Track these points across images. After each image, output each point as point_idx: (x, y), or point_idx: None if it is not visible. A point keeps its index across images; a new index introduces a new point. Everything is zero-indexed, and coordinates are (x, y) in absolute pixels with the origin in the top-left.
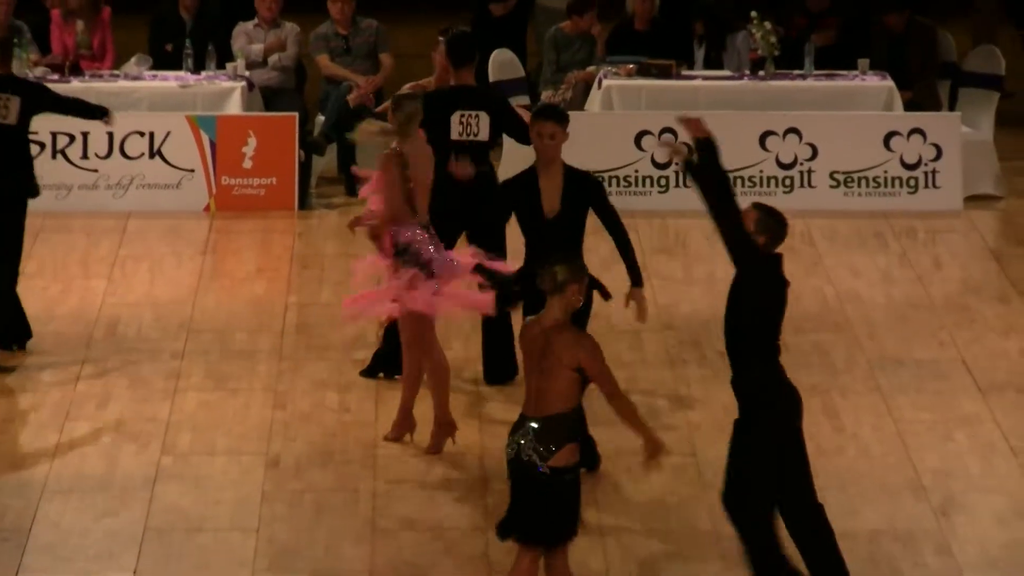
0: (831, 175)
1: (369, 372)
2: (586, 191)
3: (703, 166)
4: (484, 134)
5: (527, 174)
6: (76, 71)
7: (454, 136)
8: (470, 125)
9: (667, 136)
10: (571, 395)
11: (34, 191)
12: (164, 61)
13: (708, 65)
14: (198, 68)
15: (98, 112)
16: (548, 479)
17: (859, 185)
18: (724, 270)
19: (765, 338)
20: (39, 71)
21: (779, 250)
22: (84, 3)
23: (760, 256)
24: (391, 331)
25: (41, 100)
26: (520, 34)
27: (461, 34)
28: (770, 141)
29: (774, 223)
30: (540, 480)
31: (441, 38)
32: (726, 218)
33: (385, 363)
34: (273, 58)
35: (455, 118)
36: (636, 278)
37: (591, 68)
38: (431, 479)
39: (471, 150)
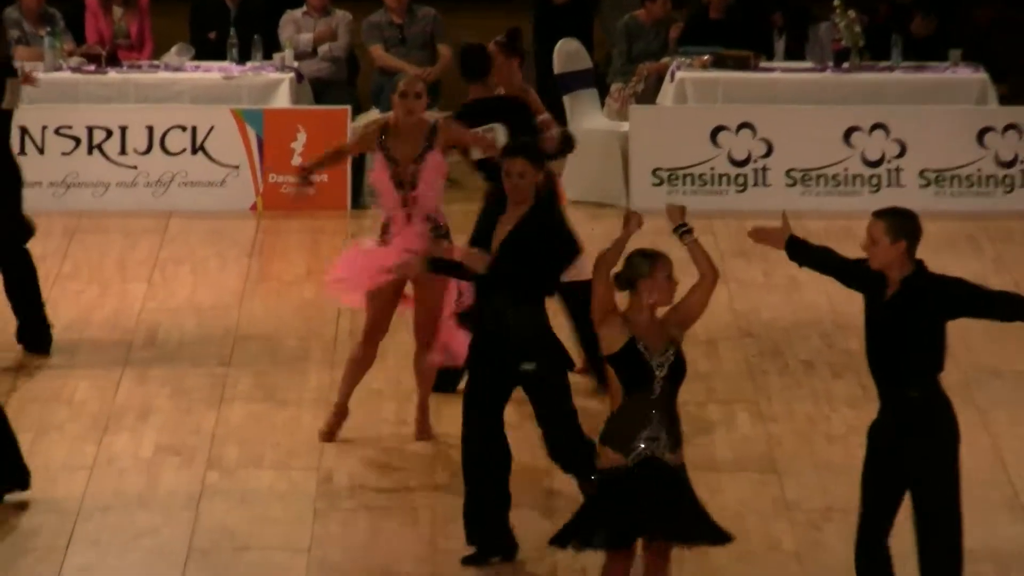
0: (920, 174)
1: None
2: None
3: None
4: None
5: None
6: (113, 61)
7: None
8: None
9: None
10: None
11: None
12: (207, 51)
13: (789, 57)
14: (243, 58)
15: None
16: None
17: (951, 184)
18: (805, 274)
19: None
20: (74, 61)
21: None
22: None
23: (910, 268)
24: None
25: None
26: (586, 23)
27: (473, 47)
28: (855, 137)
29: (906, 221)
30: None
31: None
32: (845, 271)
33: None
34: (323, 48)
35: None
36: None
37: (665, 59)
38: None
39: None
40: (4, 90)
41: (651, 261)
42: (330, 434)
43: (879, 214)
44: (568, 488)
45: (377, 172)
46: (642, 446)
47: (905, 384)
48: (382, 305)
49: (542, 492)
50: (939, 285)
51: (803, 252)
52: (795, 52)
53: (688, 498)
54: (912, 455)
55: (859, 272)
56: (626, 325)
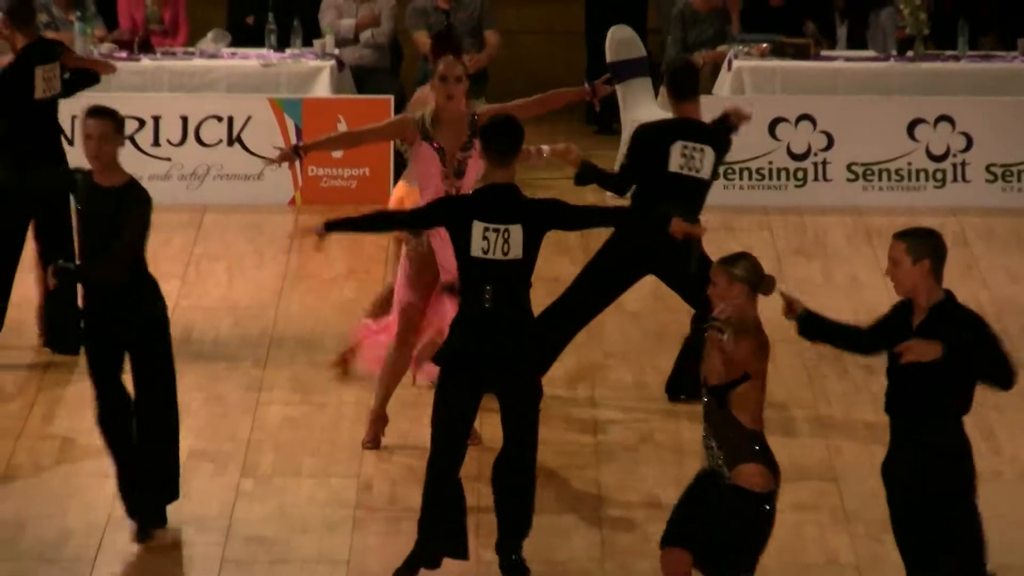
0: (987, 168)
1: None
2: None
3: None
4: (707, 170)
5: None
6: (146, 48)
7: (673, 168)
8: (693, 158)
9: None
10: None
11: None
12: (244, 37)
13: (851, 44)
14: (282, 45)
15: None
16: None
17: (1019, 179)
18: (867, 273)
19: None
20: (105, 48)
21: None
22: None
23: (938, 294)
24: None
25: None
26: (639, 7)
27: (684, 66)
28: (919, 130)
29: (928, 240)
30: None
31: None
32: (861, 341)
33: None
34: (366, 34)
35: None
36: None
37: (721, 48)
38: (544, 506)
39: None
40: (35, 79)
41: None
42: (375, 441)
43: (899, 235)
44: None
45: (424, 163)
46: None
47: (923, 424)
48: (416, 308)
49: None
50: (965, 322)
51: (815, 328)
52: (858, 40)
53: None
54: (921, 503)
55: (878, 331)
56: None
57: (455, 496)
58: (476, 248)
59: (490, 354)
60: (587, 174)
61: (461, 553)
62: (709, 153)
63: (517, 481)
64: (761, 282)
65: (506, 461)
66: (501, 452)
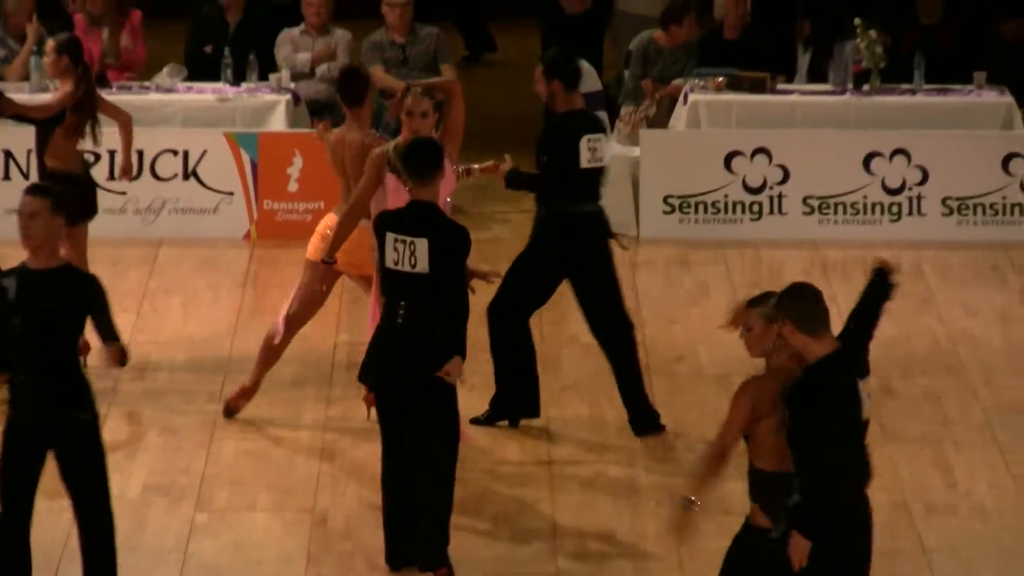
0: (943, 201)
1: (490, 420)
2: None
3: None
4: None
5: None
6: (102, 82)
7: (583, 164)
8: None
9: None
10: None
11: None
12: (201, 69)
13: (812, 75)
14: (238, 79)
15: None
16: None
17: (974, 213)
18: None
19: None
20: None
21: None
22: (108, 8)
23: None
24: (503, 373)
25: None
26: (596, 38)
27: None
28: (875, 163)
29: (797, 301)
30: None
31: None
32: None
33: (506, 408)
34: (322, 68)
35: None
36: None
37: (677, 81)
38: (500, 537)
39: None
40: None
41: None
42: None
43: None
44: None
45: (394, 193)
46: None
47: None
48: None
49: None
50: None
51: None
52: (817, 70)
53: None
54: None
55: None
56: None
57: (405, 505)
58: (389, 259)
59: (398, 369)
60: (513, 181)
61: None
62: (604, 141)
63: (410, 501)
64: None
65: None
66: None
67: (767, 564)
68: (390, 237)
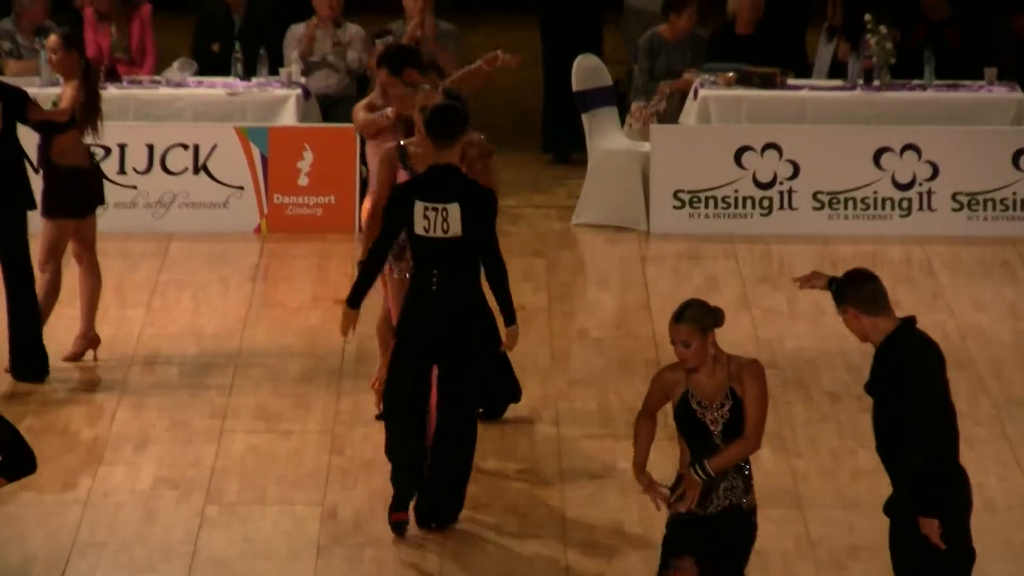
0: (953, 197)
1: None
2: None
3: None
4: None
5: None
6: (112, 76)
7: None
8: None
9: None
10: (680, 449)
11: (30, 203)
12: (211, 65)
13: (834, 67)
14: (248, 74)
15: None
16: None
17: (984, 208)
18: (832, 302)
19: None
20: None
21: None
22: (115, 2)
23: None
24: None
25: (23, 106)
26: (595, 34)
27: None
28: (886, 159)
29: (860, 287)
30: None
31: (377, 41)
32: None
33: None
34: (335, 60)
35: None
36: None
37: (687, 75)
38: (507, 531)
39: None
40: None
41: (671, 323)
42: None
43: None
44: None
45: None
46: (721, 498)
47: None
48: None
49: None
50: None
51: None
52: (838, 65)
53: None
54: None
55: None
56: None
57: (415, 464)
58: (419, 227)
59: (435, 335)
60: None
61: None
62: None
63: (442, 461)
64: (716, 316)
65: (440, 441)
66: (436, 429)
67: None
68: (419, 206)
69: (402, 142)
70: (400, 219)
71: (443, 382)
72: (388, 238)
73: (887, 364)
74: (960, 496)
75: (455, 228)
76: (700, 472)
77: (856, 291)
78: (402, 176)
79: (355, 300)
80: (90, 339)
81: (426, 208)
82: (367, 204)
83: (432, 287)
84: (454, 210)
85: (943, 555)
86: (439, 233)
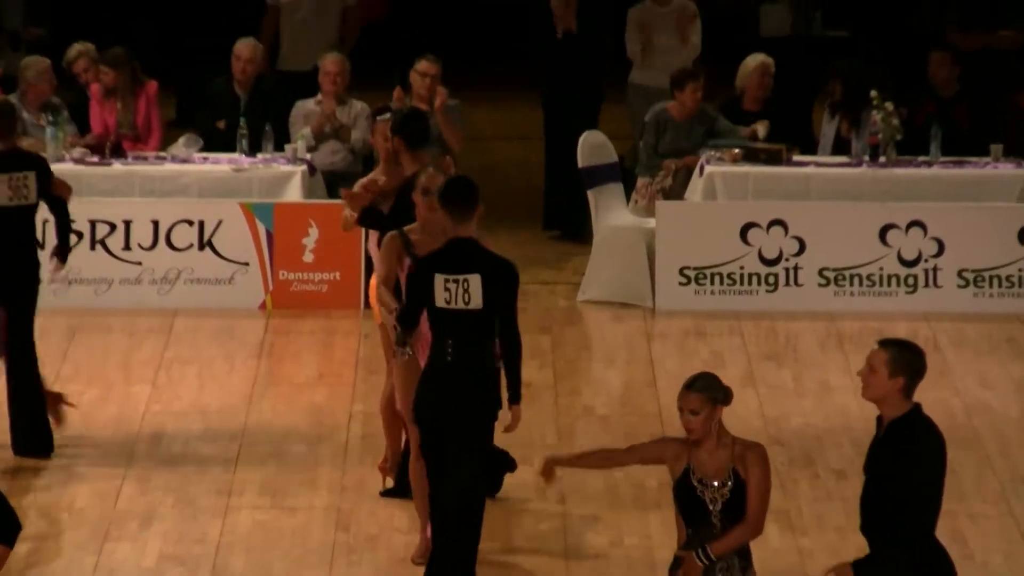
0: (959, 273)
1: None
2: None
3: None
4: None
5: None
6: (118, 152)
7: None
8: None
9: None
10: (678, 527)
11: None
12: (216, 142)
13: (839, 143)
14: (254, 150)
15: (65, 235)
16: None
17: (991, 285)
18: (838, 379)
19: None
20: (76, 152)
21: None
22: (122, 80)
23: (902, 410)
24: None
25: (49, 180)
26: (593, 111)
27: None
28: (891, 235)
29: (910, 358)
30: None
31: (378, 119)
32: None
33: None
34: (355, 135)
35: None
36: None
37: (690, 158)
38: None
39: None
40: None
41: (682, 391)
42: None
43: (884, 344)
44: None
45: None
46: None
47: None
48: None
49: None
50: (914, 440)
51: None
52: (845, 137)
53: None
54: None
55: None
56: (684, 450)
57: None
58: (439, 299)
59: (446, 405)
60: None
61: None
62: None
63: (457, 539)
64: (725, 393)
65: (448, 519)
66: (442, 506)
67: None
68: (439, 279)
69: (405, 229)
70: (423, 293)
71: (450, 457)
72: (412, 312)
73: (900, 441)
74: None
75: (476, 300)
76: (703, 557)
77: (918, 365)
78: (408, 265)
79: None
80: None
81: (447, 280)
82: (374, 282)
83: (447, 357)
84: (475, 281)
85: None
86: (460, 305)
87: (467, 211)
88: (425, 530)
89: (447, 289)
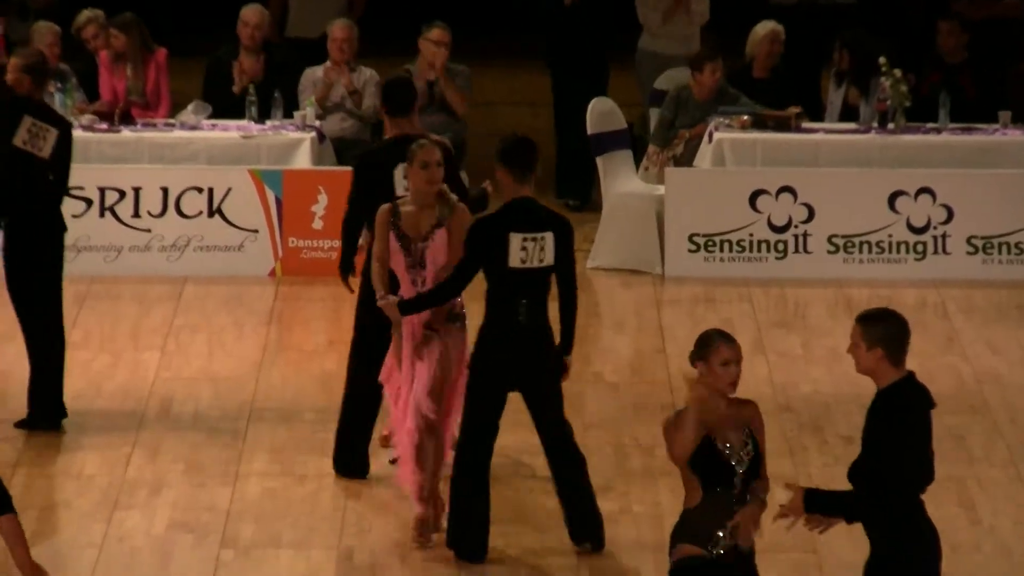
0: (968, 240)
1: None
2: None
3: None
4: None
5: None
6: (127, 120)
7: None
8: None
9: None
10: (689, 489)
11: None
12: (225, 109)
13: (846, 111)
14: (263, 117)
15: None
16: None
17: (999, 251)
18: (847, 346)
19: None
20: (85, 119)
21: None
22: (131, 45)
23: (889, 379)
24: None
25: (68, 144)
26: (602, 78)
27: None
28: (900, 202)
29: (882, 326)
30: None
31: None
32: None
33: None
34: (365, 102)
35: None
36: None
37: (700, 126)
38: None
39: None
40: (18, 126)
41: (707, 345)
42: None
43: (858, 318)
44: None
45: (392, 254)
46: (725, 536)
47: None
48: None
49: None
50: (893, 409)
51: (820, 503)
52: (852, 105)
53: None
54: None
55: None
56: (699, 422)
57: (481, 494)
58: (514, 259)
59: (521, 365)
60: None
61: (476, 556)
62: None
63: (572, 473)
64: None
65: (555, 457)
66: (548, 451)
67: None
68: (516, 238)
69: (397, 201)
70: (487, 255)
71: (538, 408)
72: (468, 275)
73: (880, 411)
74: (926, 548)
75: (549, 257)
76: (762, 495)
77: (894, 332)
78: (392, 242)
79: (407, 309)
80: None
81: (524, 239)
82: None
83: (519, 318)
84: (549, 239)
85: None
86: (535, 263)
87: (529, 169)
88: (422, 504)
89: (524, 248)
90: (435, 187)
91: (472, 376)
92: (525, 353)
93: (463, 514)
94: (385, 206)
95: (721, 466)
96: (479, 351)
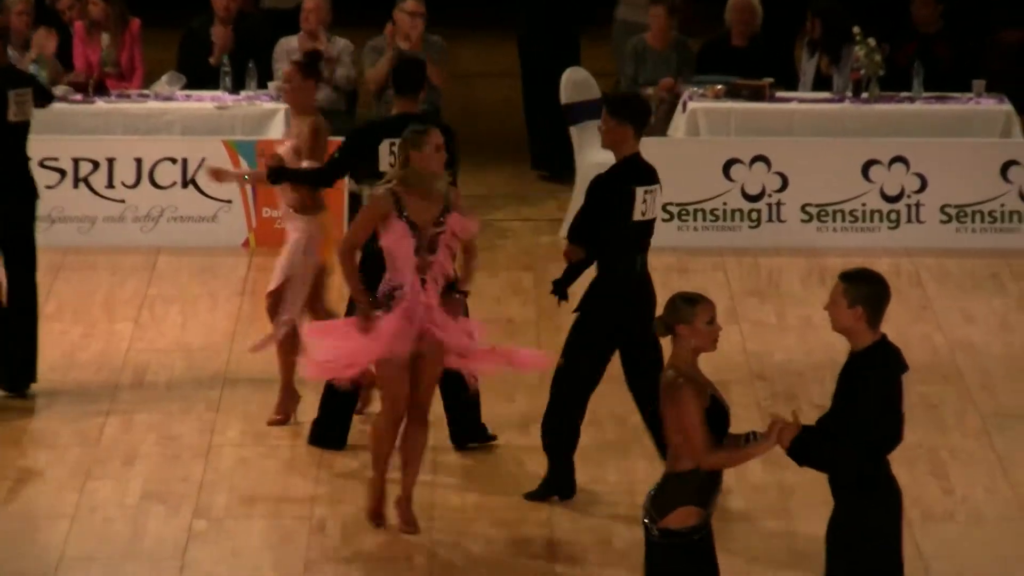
0: (942, 209)
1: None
2: None
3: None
4: None
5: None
6: (101, 90)
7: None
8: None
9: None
10: (680, 455)
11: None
12: (199, 79)
13: (819, 81)
14: (237, 87)
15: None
16: (657, 542)
17: (973, 220)
18: (821, 315)
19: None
20: (60, 90)
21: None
22: (109, 14)
23: (864, 342)
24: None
25: (42, 91)
26: (572, 47)
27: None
28: (874, 171)
29: (867, 287)
30: (651, 544)
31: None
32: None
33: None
34: (339, 71)
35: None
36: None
37: (666, 80)
38: (496, 544)
39: None
40: (7, 102)
41: (692, 305)
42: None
43: (842, 276)
44: None
45: (398, 238)
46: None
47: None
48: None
49: None
50: (864, 369)
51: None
52: (825, 74)
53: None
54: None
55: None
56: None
57: (573, 438)
58: (638, 212)
59: (635, 316)
60: (278, 174)
61: (566, 493)
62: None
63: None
64: None
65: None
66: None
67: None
68: (640, 191)
69: (394, 189)
70: (621, 209)
71: (641, 355)
72: (597, 226)
73: (852, 372)
74: (888, 507)
75: (659, 209)
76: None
77: (877, 293)
78: (399, 227)
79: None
80: None
81: (646, 192)
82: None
83: (637, 267)
84: (658, 191)
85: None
86: (652, 215)
87: (646, 123)
88: (380, 489)
89: (645, 201)
90: (443, 169)
91: (586, 327)
92: (641, 303)
93: (559, 461)
94: (380, 193)
95: (725, 417)
96: (597, 304)
